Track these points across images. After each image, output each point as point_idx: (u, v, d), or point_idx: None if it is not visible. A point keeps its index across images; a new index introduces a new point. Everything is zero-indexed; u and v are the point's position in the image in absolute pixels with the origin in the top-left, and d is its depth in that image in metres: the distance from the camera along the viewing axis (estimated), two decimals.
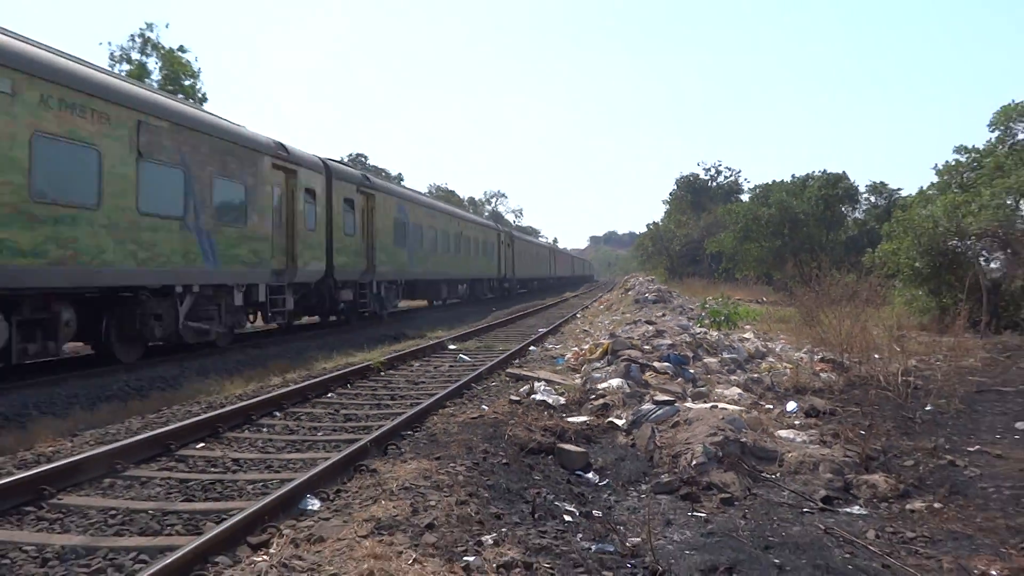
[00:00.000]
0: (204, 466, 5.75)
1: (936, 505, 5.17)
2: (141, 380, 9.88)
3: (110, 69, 16.40)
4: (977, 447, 6.68)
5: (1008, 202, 18.24)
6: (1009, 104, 22.08)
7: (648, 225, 69.82)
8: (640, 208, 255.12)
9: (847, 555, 4.25)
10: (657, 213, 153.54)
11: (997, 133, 22.34)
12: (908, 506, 5.20)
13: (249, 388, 9.22)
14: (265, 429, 7.17)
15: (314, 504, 4.65)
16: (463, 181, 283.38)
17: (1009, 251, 17.19)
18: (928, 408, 8.22)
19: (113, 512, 4.56)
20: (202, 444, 6.43)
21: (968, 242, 17.56)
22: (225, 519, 4.21)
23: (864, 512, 5.14)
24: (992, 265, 18.17)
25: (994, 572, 4.04)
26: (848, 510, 5.17)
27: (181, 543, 3.88)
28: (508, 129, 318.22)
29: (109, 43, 44.01)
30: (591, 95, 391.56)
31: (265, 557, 3.75)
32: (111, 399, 8.78)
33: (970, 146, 22.72)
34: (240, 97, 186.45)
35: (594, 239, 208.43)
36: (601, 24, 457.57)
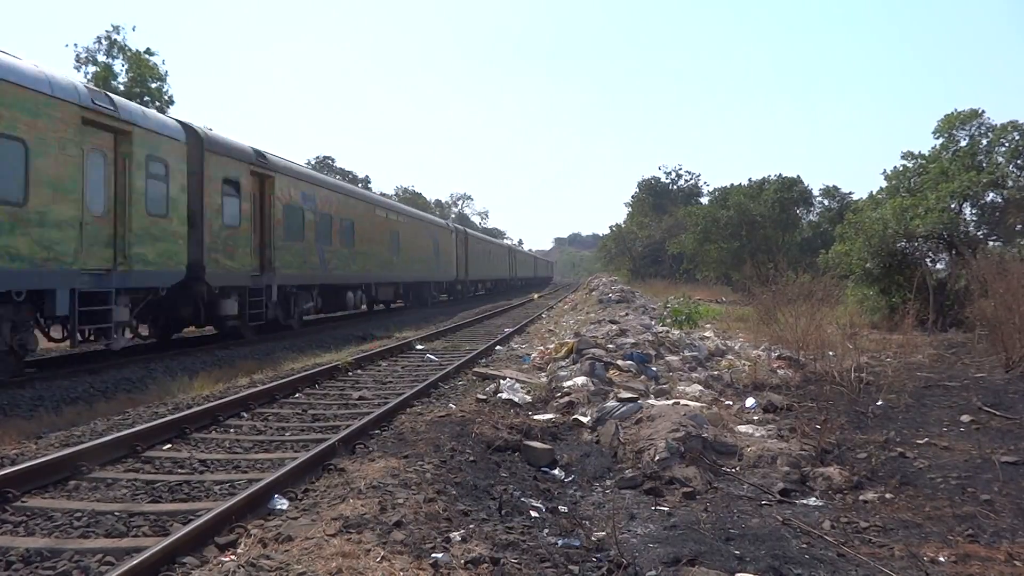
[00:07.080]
0: (171, 467, 5.68)
1: (888, 496, 5.38)
2: (106, 382, 9.68)
3: None
4: (925, 439, 6.97)
5: (952, 206, 19.10)
6: (952, 113, 23.14)
7: (611, 227, 70.42)
8: (603, 210, 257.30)
9: (804, 545, 4.40)
10: (620, 215, 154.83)
11: (941, 140, 23.34)
12: (861, 497, 5.40)
13: (216, 389, 9.07)
14: (232, 430, 7.08)
15: (282, 504, 4.63)
16: (430, 184, 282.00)
17: (954, 252, 17.90)
18: (879, 403, 8.53)
19: (78, 514, 4.48)
20: (169, 445, 6.34)
21: (915, 244, 18.25)
22: (192, 520, 4.17)
23: (820, 503, 5.32)
24: (938, 266, 18.92)
25: (942, 558, 4.23)
26: (805, 502, 5.34)
27: (148, 544, 3.84)
28: (474, 133, 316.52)
29: (75, 45, 46.34)
30: (556, 99, 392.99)
31: (233, 557, 3.73)
32: (76, 401, 8.59)
33: (917, 152, 23.68)
34: (208, 100, 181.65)
35: (559, 240, 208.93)
36: (564, 30, 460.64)
